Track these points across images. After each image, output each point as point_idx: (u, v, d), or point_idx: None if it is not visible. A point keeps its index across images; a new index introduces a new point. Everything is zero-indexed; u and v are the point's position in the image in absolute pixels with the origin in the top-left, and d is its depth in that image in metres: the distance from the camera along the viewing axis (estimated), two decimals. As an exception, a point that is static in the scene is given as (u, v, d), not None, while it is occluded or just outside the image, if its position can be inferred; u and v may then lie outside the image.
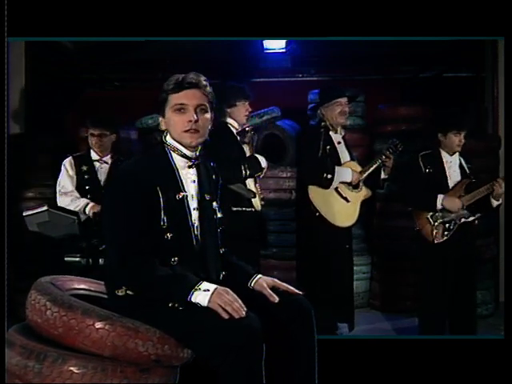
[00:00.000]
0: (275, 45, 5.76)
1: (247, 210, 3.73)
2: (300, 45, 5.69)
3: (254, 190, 3.78)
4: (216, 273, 2.20)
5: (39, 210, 3.42)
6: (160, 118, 2.21)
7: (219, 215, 2.29)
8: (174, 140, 2.18)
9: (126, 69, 6.37)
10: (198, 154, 2.21)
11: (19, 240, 4.46)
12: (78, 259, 3.53)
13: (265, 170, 3.85)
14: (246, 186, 3.75)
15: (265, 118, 5.12)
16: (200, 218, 2.19)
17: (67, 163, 3.84)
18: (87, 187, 3.77)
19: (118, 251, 2.05)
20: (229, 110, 3.83)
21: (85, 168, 3.82)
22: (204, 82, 2.15)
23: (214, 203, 2.28)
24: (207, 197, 2.24)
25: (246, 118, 3.91)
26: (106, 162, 3.86)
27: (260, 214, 3.89)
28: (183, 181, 2.18)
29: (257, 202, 3.79)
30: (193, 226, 2.16)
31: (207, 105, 2.16)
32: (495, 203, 3.75)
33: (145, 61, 6.01)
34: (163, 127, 2.21)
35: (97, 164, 3.86)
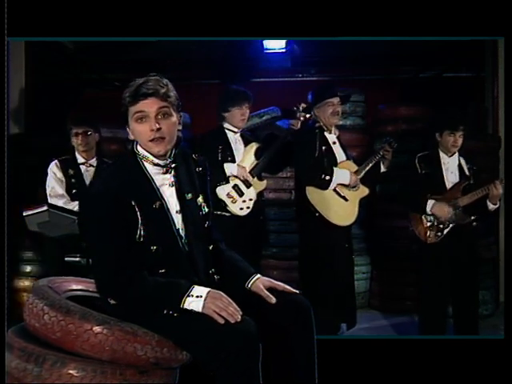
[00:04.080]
0: (275, 45, 5.77)
1: (222, 214, 3.74)
2: (300, 45, 5.69)
3: (223, 198, 3.78)
4: (205, 271, 2.17)
5: (39, 209, 3.41)
6: (127, 129, 2.14)
7: (206, 210, 2.24)
8: (144, 149, 2.13)
9: (126, 69, 6.37)
10: (171, 159, 2.15)
11: (19, 240, 4.47)
12: (77, 259, 3.52)
13: (240, 177, 3.83)
14: (215, 193, 3.75)
15: (265, 118, 5.12)
16: (184, 219, 2.15)
17: (54, 167, 3.78)
18: (74, 191, 3.72)
19: (104, 269, 2.04)
20: (224, 115, 3.89)
21: (71, 172, 3.76)
22: (162, 90, 2.06)
23: (199, 199, 2.23)
24: (188, 196, 2.18)
25: (243, 122, 3.93)
26: (92, 165, 3.81)
27: (246, 219, 3.86)
28: (159, 188, 2.13)
29: (233, 209, 3.79)
30: (177, 231, 2.13)
31: (170, 108, 2.08)
32: (491, 206, 3.71)
33: (145, 61, 6.01)
34: (131, 137, 2.15)
35: (83, 167, 3.80)
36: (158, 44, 5.16)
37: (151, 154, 2.12)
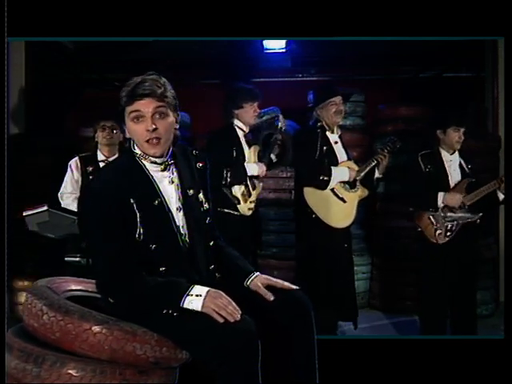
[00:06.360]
0: (275, 45, 5.76)
1: (232, 212, 3.76)
2: (300, 45, 5.69)
3: (238, 196, 3.79)
4: (206, 267, 2.17)
5: (39, 209, 3.41)
6: (124, 127, 2.14)
7: (206, 206, 2.23)
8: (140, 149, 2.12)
9: (126, 69, 6.37)
10: (169, 157, 2.14)
11: (19, 240, 4.46)
12: (77, 259, 3.53)
13: (258, 176, 3.87)
14: (230, 191, 3.76)
15: (265, 118, 5.10)
16: (185, 216, 2.14)
17: (73, 164, 3.83)
18: None
19: (104, 268, 2.03)
20: (236, 112, 3.87)
21: (90, 169, 3.80)
22: (159, 90, 2.05)
23: (200, 194, 2.22)
24: (190, 192, 2.18)
25: (254, 119, 3.93)
26: None
27: (248, 219, 3.88)
28: (159, 185, 2.12)
29: (243, 208, 3.80)
30: (178, 228, 2.12)
31: (166, 108, 2.07)
32: (502, 197, 3.72)
33: (145, 61, 6.01)
34: (127, 135, 2.14)
35: (102, 164, 3.82)
36: (157, 44, 5.15)
37: (147, 154, 2.11)
